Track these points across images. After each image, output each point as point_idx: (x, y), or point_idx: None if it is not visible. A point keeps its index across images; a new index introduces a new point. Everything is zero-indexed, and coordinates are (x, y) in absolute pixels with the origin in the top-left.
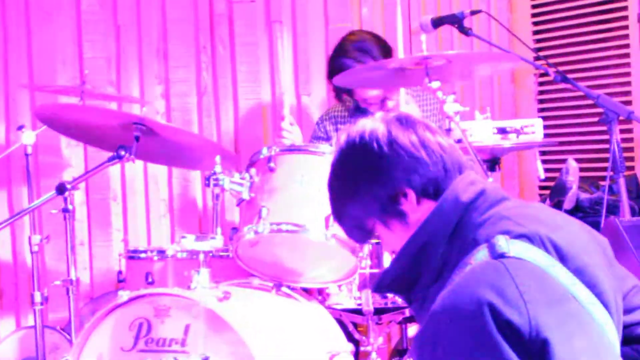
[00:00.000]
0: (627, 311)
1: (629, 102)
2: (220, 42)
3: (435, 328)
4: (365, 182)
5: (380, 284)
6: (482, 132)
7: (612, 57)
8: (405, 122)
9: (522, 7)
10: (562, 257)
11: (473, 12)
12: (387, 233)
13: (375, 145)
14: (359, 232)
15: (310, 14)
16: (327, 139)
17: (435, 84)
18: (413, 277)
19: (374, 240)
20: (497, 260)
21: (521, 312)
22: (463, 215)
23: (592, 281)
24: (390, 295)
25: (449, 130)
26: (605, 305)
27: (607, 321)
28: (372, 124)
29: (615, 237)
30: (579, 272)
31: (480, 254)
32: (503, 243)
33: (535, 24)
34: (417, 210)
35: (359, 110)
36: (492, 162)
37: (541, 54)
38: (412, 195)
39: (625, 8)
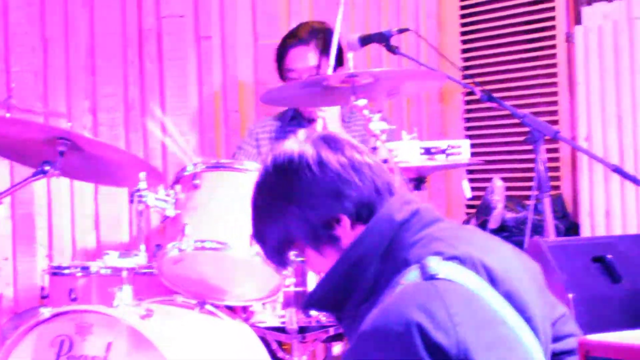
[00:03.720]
0: (556, 339)
1: (555, 122)
2: (148, 57)
3: (364, 347)
4: (295, 206)
5: (310, 301)
6: (408, 152)
7: (539, 77)
8: (332, 143)
9: (451, 26)
10: (493, 281)
11: (401, 31)
12: (317, 257)
13: (305, 168)
14: (278, 257)
15: (239, 30)
16: (257, 154)
17: (362, 102)
18: (343, 296)
19: (298, 259)
20: (428, 282)
21: (450, 335)
22: (396, 235)
23: (521, 306)
24: (314, 313)
25: (374, 149)
26: (534, 331)
27: (535, 347)
28: (300, 146)
29: (539, 257)
30: (509, 297)
31: (412, 275)
32: (435, 264)
33: (465, 42)
34: (350, 234)
35: (292, 122)
36: (418, 181)
37: (470, 73)
38: (345, 220)
39: (553, 27)
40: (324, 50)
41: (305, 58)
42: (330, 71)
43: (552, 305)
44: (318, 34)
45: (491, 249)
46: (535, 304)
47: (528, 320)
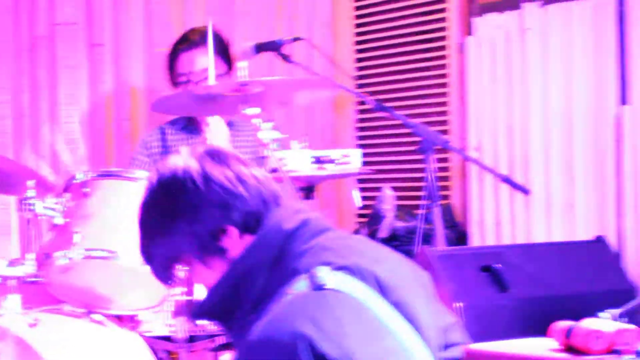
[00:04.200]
0: (444, 347)
1: (446, 132)
2: (40, 64)
3: (250, 357)
4: (182, 221)
5: (198, 311)
6: (298, 161)
7: (431, 87)
8: (217, 157)
9: (345, 35)
10: (383, 291)
11: (294, 39)
12: (205, 270)
13: (190, 183)
14: (164, 273)
15: (131, 37)
16: (151, 163)
17: (252, 111)
18: (232, 306)
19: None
20: (316, 292)
21: (337, 346)
22: (285, 244)
23: (411, 316)
24: (203, 322)
25: (264, 158)
26: (424, 340)
27: (424, 357)
28: (184, 161)
29: (428, 266)
30: (399, 306)
31: (300, 285)
32: (323, 274)
33: (358, 51)
34: (238, 245)
35: (184, 130)
36: (308, 190)
37: (363, 82)
38: (233, 231)
39: (445, 38)
40: (216, 52)
41: (196, 61)
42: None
43: (442, 313)
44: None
45: (381, 259)
46: (425, 313)
47: (418, 329)
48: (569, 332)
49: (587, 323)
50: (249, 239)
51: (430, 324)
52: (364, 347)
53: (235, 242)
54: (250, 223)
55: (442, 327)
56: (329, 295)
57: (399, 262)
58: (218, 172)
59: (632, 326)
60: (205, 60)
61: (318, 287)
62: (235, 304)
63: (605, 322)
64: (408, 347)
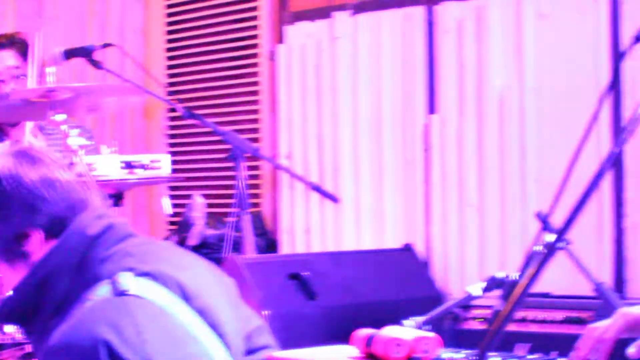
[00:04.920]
0: (251, 352)
1: (257, 140)
2: None
3: None
4: None
5: None
6: (108, 166)
7: (243, 94)
8: (30, 157)
9: (156, 42)
10: (186, 297)
11: (105, 45)
12: (9, 272)
13: None
14: None
15: None
16: None
17: (60, 117)
18: (32, 309)
19: None
20: (118, 298)
21: (137, 352)
22: (88, 250)
23: (214, 322)
24: (9, 330)
25: (72, 164)
26: (227, 346)
27: None
28: None
29: (237, 274)
30: (202, 313)
31: (102, 290)
32: (126, 280)
33: (170, 58)
34: (42, 250)
35: None
36: (117, 197)
37: (175, 89)
38: (36, 235)
39: (257, 46)
40: (23, 55)
41: (2, 59)
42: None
43: (247, 318)
44: (14, 40)
45: (184, 265)
46: (229, 320)
47: (221, 336)
48: (369, 340)
49: (388, 331)
50: (53, 244)
51: (234, 330)
52: (164, 352)
53: (39, 246)
54: (56, 227)
55: (247, 331)
56: (130, 301)
57: (203, 268)
58: (28, 173)
59: (431, 334)
60: (12, 58)
61: (120, 293)
62: (35, 308)
63: (405, 330)
64: (211, 353)
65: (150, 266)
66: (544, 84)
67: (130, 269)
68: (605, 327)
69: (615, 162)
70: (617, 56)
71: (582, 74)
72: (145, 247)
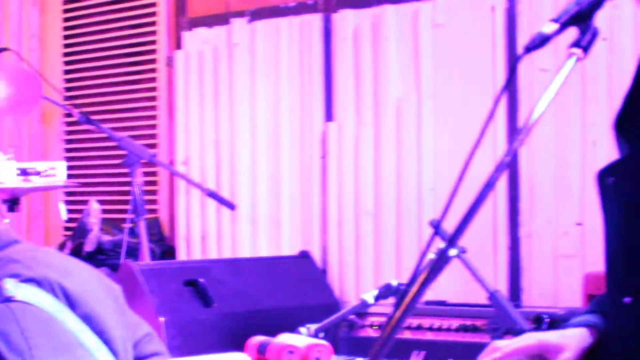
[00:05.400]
0: (140, 359)
1: (155, 145)
2: None
3: None
4: None
5: None
6: (3, 173)
7: (141, 100)
8: None
9: (53, 47)
10: (72, 304)
11: (1, 50)
12: None
13: None
14: None
15: None
16: None
17: None
18: None
19: None
20: (3, 304)
21: (24, 358)
22: None
23: (100, 328)
24: None
25: None
26: (114, 353)
27: None
28: None
29: (132, 280)
30: (88, 319)
31: None
32: (10, 286)
33: (67, 63)
34: None
35: None
36: (13, 202)
37: (72, 94)
38: None
39: (155, 51)
40: None
41: None
42: None
43: (135, 325)
44: None
45: (70, 271)
46: (116, 326)
47: (107, 342)
48: (262, 348)
49: (282, 338)
50: None
51: (121, 336)
52: (51, 358)
53: None
54: None
55: (135, 338)
56: (15, 308)
57: (89, 274)
58: None
59: (324, 341)
60: None
61: (5, 300)
62: None
63: (298, 338)
64: (97, 358)
65: (35, 272)
66: (440, 92)
67: (15, 275)
68: (511, 346)
69: (511, 172)
70: (512, 63)
71: (479, 83)
72: (30, 254)
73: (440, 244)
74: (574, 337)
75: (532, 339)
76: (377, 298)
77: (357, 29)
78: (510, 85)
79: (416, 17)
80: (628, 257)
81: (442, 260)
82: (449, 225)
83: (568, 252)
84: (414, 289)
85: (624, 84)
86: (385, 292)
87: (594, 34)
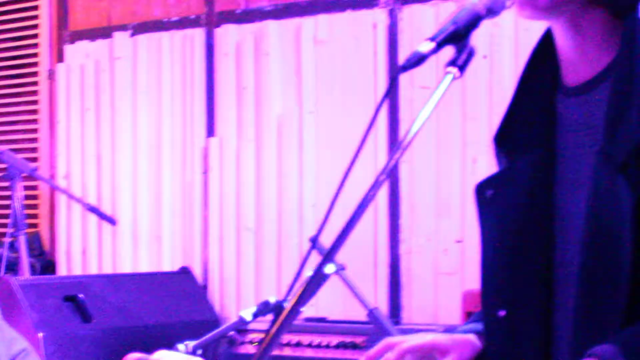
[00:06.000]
0: None
1: (36, 159)
2: None
3: None
4: None
5: None
6: None
7: (22, 113)
8: None
9: None
10: None
11: None
12: None
13: None
14: None
15: None
16: None
17: None
18: None
19: None
20: None
21: None
22: None
23: None
24: None
25: None
26: None
27: None
28: None
29: (10, 296)
30: None
31: None
32: None
33: None
34: None
35: None
36: None
37: None
38: None
39: (36, 64)
40: None
41: None
42: None
43: (11, 341)
44: None
45: None
46: None
47: None
48: None
49: (158, 355)
50: None
51: None
52: None
53: None
54: None
55: (10, 355)
56: None
57: None
58: None
59: (201, 359)
60: None
61: None
62: None
63: (176, 355)
64: None
65: None
66: (322, 108)
67: None
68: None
69: (391, 189)
70: (389, 82)
71: (361, 99)
72: None
73: (318, 260)
74: (464, 342)
75: (424, 338)
76: (255, 315)
77: (239, 44)
78: (391, 102)
79: (298, 33)
80: (503, 270)
81: (319, 277)
82: (328, 241)
83: (448, 270)
84: (290, 306)
85: (504, 102)
86: (264, 309)
87: (471, 53)
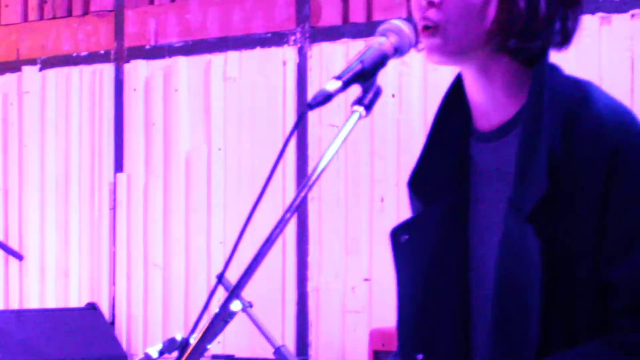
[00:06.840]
0: None
1: None
2: None
3: None
4: None
5: None
6: None
7: None
8: None
9: None
10: None
11: None
12: None
13: None
14: None
15: None
16: None
17: None
18: None
19: None
20: None
21: None
22: None
23: None
24: None
25: None
26: None
27: None
28: None
29: None
30: None
31: None
32: None
33: None
34: None
35: None
36: None
37: None
38: None
39: None
40: None
41: None
42: None
43: None
44: None
45: None
46: None
47: None
48: None
49: None
50: None
51: None
52: None
53: None
54: None
55: None
56: None
57: None
58: None
59: None
60: None
61: None
62: None
63: None
64: None
65: None
66: (230, 144)
67: None
68: None
69: (299, 226)
70: (296, 121)
71: (269, 135)
72: None
73: (224, 298)
74: None
75: None
76: (162, 352)
77: (148, 80)
78: (299, 139)
79: (208, 70)
80: (419, 314)
81: (225, 314)
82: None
83: (355, 308)
84: (196, 343)
85: (412, 140)
86: (170, 346)
87: (377, 92)
